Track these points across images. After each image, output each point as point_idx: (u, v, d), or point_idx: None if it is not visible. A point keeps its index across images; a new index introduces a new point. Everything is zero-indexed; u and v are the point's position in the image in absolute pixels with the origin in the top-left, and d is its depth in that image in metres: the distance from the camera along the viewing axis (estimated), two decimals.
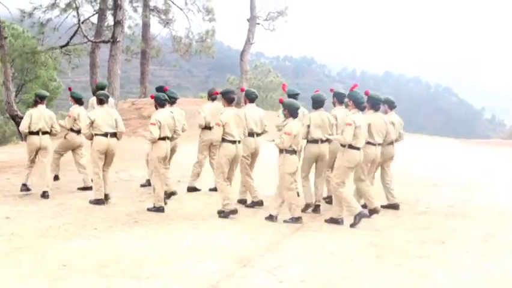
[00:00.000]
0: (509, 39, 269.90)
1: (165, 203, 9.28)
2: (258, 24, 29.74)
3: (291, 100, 8.94)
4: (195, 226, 8.22)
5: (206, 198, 10.18)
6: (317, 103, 9.34)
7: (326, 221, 8.54)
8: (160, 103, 9.36)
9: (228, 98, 9.13)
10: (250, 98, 9.86)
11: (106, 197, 9.70)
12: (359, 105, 8.47)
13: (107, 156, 9.81)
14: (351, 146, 8.29)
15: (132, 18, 29.24)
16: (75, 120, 11.04)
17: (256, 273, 6.16)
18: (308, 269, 6.33)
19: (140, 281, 5.83)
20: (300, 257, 6.81)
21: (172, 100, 10.16)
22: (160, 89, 10.54)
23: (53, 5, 24.16)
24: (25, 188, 10.43)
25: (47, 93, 11.13)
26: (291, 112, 8.62)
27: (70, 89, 11.97)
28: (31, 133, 10.30)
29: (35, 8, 23.96)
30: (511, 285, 5.98)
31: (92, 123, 9.58)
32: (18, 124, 17.51)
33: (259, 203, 9.59)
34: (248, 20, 29.35)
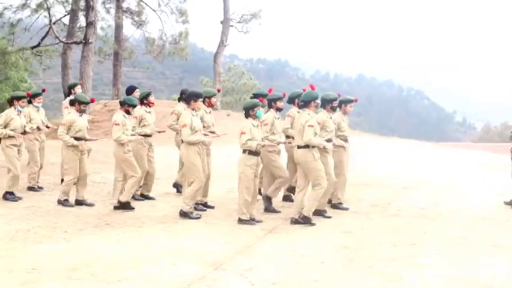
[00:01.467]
0: (481, 44, 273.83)
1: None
2: (232, 26, 29.77)
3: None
4: (168, 229, 8.18)
5: (179, 200, 10.11)
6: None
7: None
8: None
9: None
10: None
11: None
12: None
13: None
14: None
15: (105, 19, 29.09)
16: None
17: (228, 276, 6.15)
18: (280, 271, 6.34)
19: (111, 284, 5.78)
20: (272, 259, 6.80)
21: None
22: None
23: (24, 5, 23.96)
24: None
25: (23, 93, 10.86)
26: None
27: (44, 90, 11.74)
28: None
29: (5, 8, 23.74)
30: (482, 287, 6.03)
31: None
32: None
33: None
34: (221, 22, 29.36)
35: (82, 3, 23.60)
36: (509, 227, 8.88)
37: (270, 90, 9.96)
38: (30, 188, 10.92)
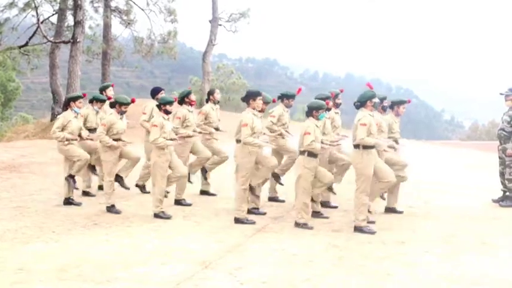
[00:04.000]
0: (469, 43, 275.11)
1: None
2: (220, 25, 29.78)
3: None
4: (156, 228, 8.15)
5: (167, 200, 10.08)
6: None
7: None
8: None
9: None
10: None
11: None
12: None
13: None
14: None
15: (93, 18, 28.96)
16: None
17: (217, 275, 6.13)
18: (269, 270, 6.33)
19: (99, 284, 5.74)
20: (261, 258, 6.79)
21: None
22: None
23: (11, 4, 23.82)
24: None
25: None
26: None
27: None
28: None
29: None
30: (470, 285, 6.06)
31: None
32: None
33: None
34: (210, 21, 29.33)
35: (70, 2, 23.51)
36: (497, 224, 8.93)
37: (299, 90, 9.85)
38: (85, 193, 10.56)
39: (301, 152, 8.30)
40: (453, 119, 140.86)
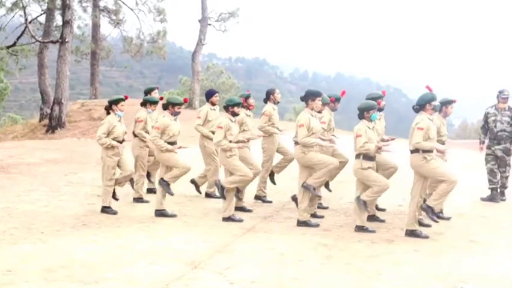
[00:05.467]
0: (458, 42, 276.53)
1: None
2: (210, 25, 29.71)
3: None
4: (145, 229, 8.13)
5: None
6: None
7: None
8: None
9: None
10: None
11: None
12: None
13: None
14: None
15: (81, 18, 28.96)
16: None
17: (207, 274, 6.13)
18: (259, 270, 6.33)
19: (88, 285, 5.73)
20: (250, 258, 6.80)
21: None
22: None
23: None
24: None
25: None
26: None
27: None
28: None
29: None
30: (458, 283, 6.09)
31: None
32: None
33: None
34: (199, 20, 29.28)
35: (58, 2, 23.44)
36: (485, 222, 8.98)
37: (343, 93, 9.62)
38: (137, 199, 10.04)
39: (357, 156, 8.09)
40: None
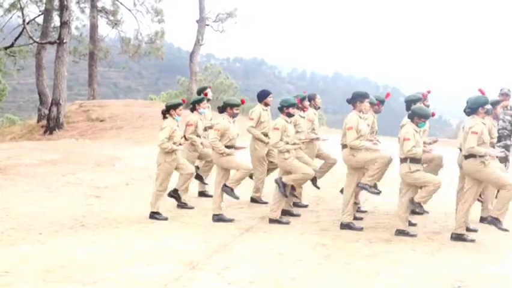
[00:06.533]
0: (455, 41, 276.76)
1: None
2: (208, 25, 29.70)
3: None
4: (144, 229, 8.13)
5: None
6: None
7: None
8: None
9: None
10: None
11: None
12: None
13: None
14: None
15: (79, 19, 28.90)
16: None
17: (205, 275, 6.14)
18: (257, 270, 6.34)
19: (86, 286, 5.74)
20: (249, 258, 6.80)
21: None
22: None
23: None
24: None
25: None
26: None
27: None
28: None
29: None
30: (456, 282, 6.10)
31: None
32: None
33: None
34: (197, 21, 29.27)
35: (56, 3, 23.42)
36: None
37: (387, 95, 9.34)
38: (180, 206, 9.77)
39: (402, 160, 7.95)
40: (440, 117, 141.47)
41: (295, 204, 9.44)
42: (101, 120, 22.81)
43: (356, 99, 8.41)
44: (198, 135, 9.76)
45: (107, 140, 19.18)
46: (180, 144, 8.98)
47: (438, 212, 9.53)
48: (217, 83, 44.25)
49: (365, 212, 9.51)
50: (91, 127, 22.02)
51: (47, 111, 23.06)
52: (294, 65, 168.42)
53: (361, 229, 8.27)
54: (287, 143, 8.44)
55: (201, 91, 10.49)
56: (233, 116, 8.82)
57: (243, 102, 9.25)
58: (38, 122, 24.16)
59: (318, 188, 9.57)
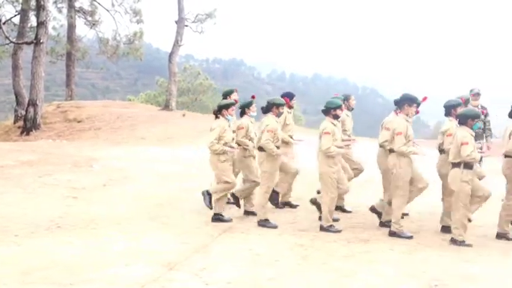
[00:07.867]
0: (433, 41, 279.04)
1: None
2: (187, 26, 29.59)
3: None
4: (122, 230, 8.09)
5: (135, 202, 10.03)
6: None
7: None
8: None
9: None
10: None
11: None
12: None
13: None
14: None
15: (57, 19, 28.65)
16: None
17: (183, 276, 6.13)
18: (235, 270, 6.35)
19: (64, 287, 5.69)
20: (227, 258, 6.81)
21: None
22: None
23: None
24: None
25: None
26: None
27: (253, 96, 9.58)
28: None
29: None
30: (433, 281, 6.16)
31: None
32: None
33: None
34: (176, 22, 29.18)
35: (33, 3, 23.17)
36: None
37: (424, 99, 8.84)
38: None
39: (455, 165, 7.77)
40: (418, 118, 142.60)
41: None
42: (78, 121, 22.64)
43: (405, 102, 8.22)
44: (251, 139, 9.17)
45: (85, 140, 19.04)
46: (232, 147, 8.79)
47: (414, 212, 9.62)
48: (196, 84, 44.21)
49: (350, 212, 9.64)
50: (68, 128, 21.85)
51: (23, 112, 22.83)
52: (274, 66, 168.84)
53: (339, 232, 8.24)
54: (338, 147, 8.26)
55: (227, 94, 10.06)
56: (279, 115, 8.76)
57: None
58: (14, 123, 23.90)
59: None
